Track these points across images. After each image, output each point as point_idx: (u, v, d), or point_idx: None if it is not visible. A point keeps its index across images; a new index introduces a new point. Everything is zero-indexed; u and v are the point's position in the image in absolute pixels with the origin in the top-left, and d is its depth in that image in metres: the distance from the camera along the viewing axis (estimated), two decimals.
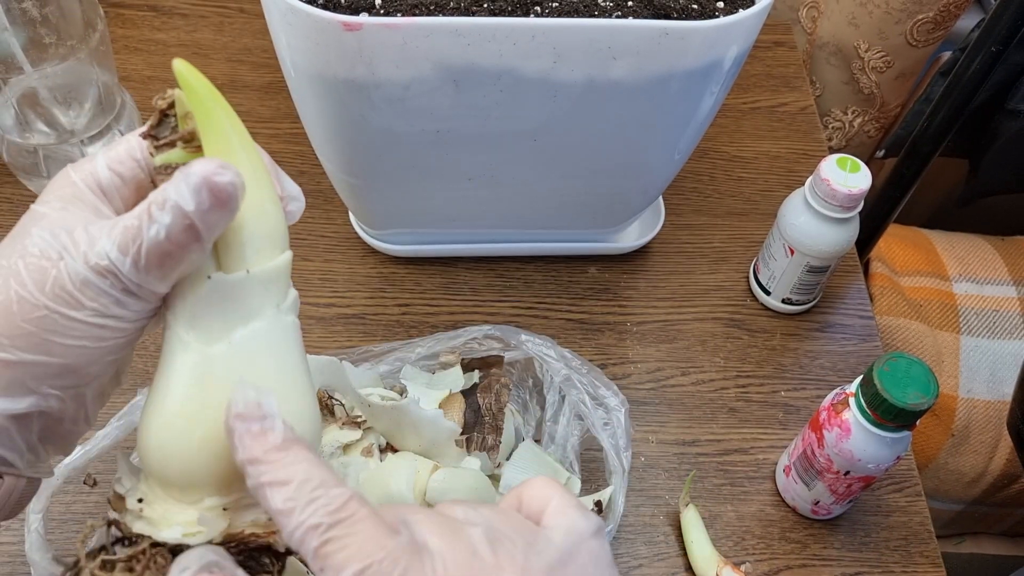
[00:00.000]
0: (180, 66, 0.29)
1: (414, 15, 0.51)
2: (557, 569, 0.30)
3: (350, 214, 0.74)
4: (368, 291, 0.73)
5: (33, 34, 0.66)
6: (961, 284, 0.99)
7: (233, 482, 0.29)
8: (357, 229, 0.74)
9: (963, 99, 0.79)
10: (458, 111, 0.55)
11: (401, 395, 0.58)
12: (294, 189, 0.34)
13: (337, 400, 0.57)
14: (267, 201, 0.31)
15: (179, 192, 0.27)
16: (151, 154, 0.31)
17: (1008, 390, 0.93)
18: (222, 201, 0.28)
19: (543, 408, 0.61)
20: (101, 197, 0.31)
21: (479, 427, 0.56)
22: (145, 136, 0.31)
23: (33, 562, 0.47)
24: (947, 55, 1.03)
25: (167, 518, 0.29)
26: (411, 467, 0.52)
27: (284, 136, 0.82)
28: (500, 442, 0.56)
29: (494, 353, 0.61)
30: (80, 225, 0.29)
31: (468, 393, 0.58)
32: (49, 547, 0.48)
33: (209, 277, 0.29)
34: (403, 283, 0.74)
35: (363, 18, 0.49)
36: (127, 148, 0.31)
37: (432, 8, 0.52)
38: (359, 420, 0.56)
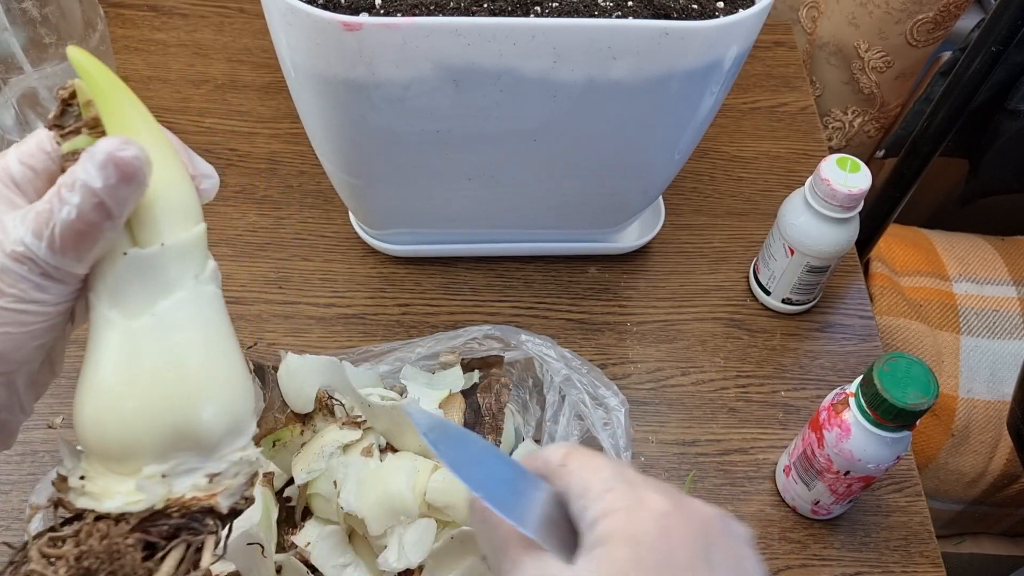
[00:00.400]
0: (75, 54, 0.30)
1: (414, 15, 0.51)
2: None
3: (350, 214, 0.74)
4: (368, 291, 0.73)
5: (33, 34, 0.66)
6: (961, 284, 0.99)
7: (169, 449, 0.30)
8: (357, 229, 0.74)
9: (963, 99, 0.79)
10: (458, 111, 0.55)
11: (401, 395, 0.58)
12: (206, 168, 0.34)
13: (337, 400, 0.57)
14: (176, 175, 0.32)
15: (86, 171, 0.28)
16: (58, 143, 0.31)
17: (1008, 390, 0.93)
18: (128, 175, 0.28)
19: (543, 408, 0.61)
20: (15, 190, 0.31)
21: (479, 427, 0.56)
22: (50, 127, 0.32)
23: None
24: (947, 55, 1.03)
25: (109, 490, 0.30)
26: (411, 467, 0.52)
27: (284, 136, 0.82)
28: (500, 442, 0.56)
29: (494, 353, 0.61)
30: None
31: (468, 393, 0.58)
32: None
33: (125, 253, 0.30)
34: (403, 283, 0.74)
35: (363, 18, 0.49)
36: (36, 141, 0.32)
37: (432, 8, 0.52)
38: (359, 420, 0.56)
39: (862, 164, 0.65)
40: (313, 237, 0.76)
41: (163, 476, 0.30)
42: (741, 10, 0.54)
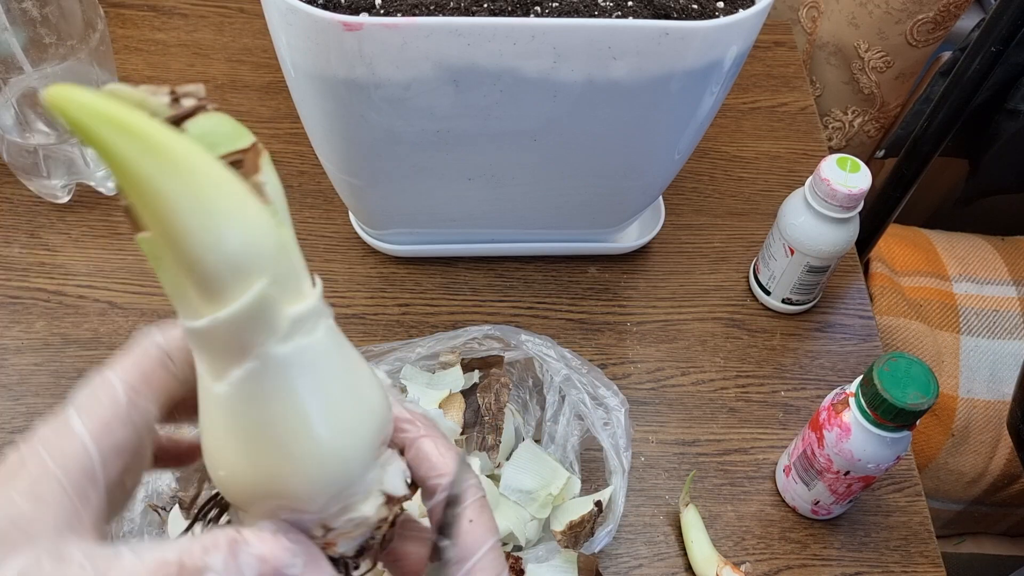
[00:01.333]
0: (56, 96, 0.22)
1: (414, 15, 0.51)
2: None
3: (350, 214, 0.74)
4: (368, 291, 0.73)
5: (33, 34, 0.66)
6: (961, 284, 0.99)
7: (275, 512, 0.28)
8: (357, 229, 0.74)
9: (963, 99, 0.79)
10: (458, 111, 0.55)
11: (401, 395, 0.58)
12: None
13: None
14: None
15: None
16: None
17: (1008, 390, 0.93)
18: None
19: (543, 408, 0.61)
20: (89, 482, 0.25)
21: (479, 427, 0.56)
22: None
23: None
24: (947, 55, 1.03)
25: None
26: None
27: (284, 136, 0.82)
28: (500, 442, 0.56)
29: (494, 353, 0.61)
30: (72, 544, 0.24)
31: (468, 393, 0.58)
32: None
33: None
34: (403, 283, 0.74)
35: (363, 18, 0.49)
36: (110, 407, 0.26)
37: (432, 8, 0.52)
38: None
39: (862, 164, 0.65)
40: (313, 237, 0.76)
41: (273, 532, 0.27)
42: (741, 10, 0.54)
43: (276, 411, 0.26)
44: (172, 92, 0.25)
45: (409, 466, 0.31)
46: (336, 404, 0.27)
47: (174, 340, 0.28)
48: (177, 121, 0.24)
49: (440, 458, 0.30)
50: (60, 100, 0.22)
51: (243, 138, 0.26)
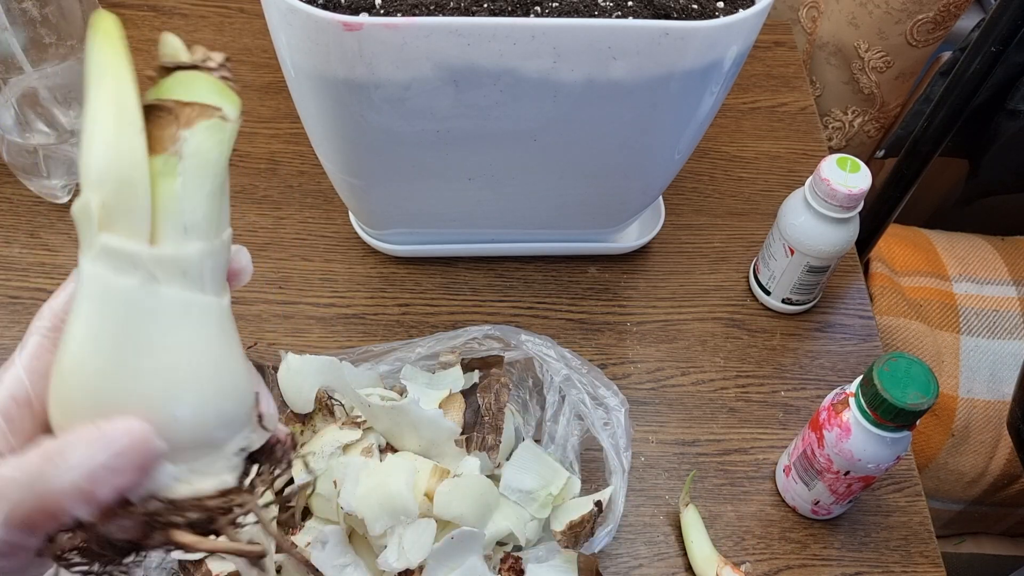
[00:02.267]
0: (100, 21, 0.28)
1: (414, 15, 0.51)
2: None
3: (350, 214, 0.74)
4: (368, 291, 0.73)
5: (33, 34, 0.66)
6: (961, 284, 0.99)
7: (175, 454, 0.29)
8: (357, 229, 0.74)
9: (963, 99, 0.79)
10: (458, 111, 0.55)
11: (401, 395, 0.58)
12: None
13: (337, 400, 0.57)
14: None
15: (90, 456, 0.26)
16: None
17: (1008, 390, 0.93)
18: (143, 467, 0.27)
19: (543, 408, 0.61)
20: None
21: (479, 427, 0.56)
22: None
23: None
24: (947, 55, 1.03)
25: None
26: (411, 467, 0.52)
27: (284, 136, 0.82)
28: (500, 442, 0.56)
29: (494, 353, 0.61)
30: None
31: (468, 393, 0.58)
32: None
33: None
34: (403, 283, 0.74)
35: (363, 18, 0.49)
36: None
37: (432, 8, 0.52)
38: (359, 420, 0.56)
39: (862, 164, 0.65)
40: (313, 237, 0.76)
41: (177, 480, 0.29)
42: (741, 10, 0.54)
43: (154, 331, 0.28)
44: (204, 53, 0.29)
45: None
46: (212, 356, 0.29)
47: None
48: (172, 69, 0.29)
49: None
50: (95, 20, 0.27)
51: (215, 99, 0.29)
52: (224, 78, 0.30)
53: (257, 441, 0.31)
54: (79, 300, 0.28)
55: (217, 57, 0.30)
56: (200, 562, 0.49)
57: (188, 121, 0.28)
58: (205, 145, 0.29)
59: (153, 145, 0.28)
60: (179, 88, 0.29)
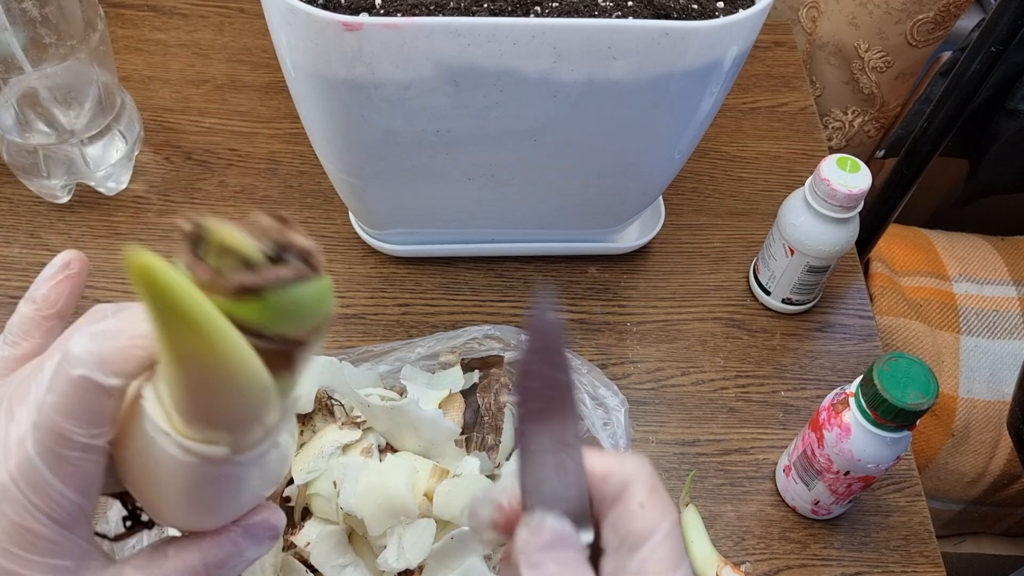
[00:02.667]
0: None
1: (414, 15, 0.51)
2: None
3: (350, 214, 0.74)
4: (368, 291, 0.73)
5: (33, 34, 0.66)
6: (961, 284, 0.99)
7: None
8: (357, 229, 0.74)
9: (963, 99, 0.79)
10: (458, 111, 0.55)
11: (401, 395, 0.58)
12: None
13: (337, 400, 0.57)
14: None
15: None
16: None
17: (1008, 390, 0.93)
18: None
19: None
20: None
21: (479, 427, 0.56)
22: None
23: None
24: (947, 55, 1.03)
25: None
26: (410, 467, 0.52)
27: (284, 136, 0.82)
28: (500, 442, 0.56)
29: (494, 353, 0.61)
30: None
31: (468, 393, 0.58)
32: None
33: None
34: (403, 283, 0.74)
35: (363, 18, 0.49)
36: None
37: (432, 8, 0.52)
38: (359, 420, 0.56)
39: (862, 164, 0.65)
40: (313, 237, 0.75)
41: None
42: (741, 10, 0.54)
43: (220, 487, 0.29)
44: (277, 243, 0.26)
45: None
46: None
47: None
48: (257, 289, 0.25)
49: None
50: (132, 264, 0.23)
51: (319, 316, 0.26)
52: (313, 268, 0.26)
53: None
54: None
55: (311, 250, 0.26)
56: None
57: (293, 365, 0.27)
58: (295, 385, 0.29)
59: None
60: (281, 317, 0.25)
